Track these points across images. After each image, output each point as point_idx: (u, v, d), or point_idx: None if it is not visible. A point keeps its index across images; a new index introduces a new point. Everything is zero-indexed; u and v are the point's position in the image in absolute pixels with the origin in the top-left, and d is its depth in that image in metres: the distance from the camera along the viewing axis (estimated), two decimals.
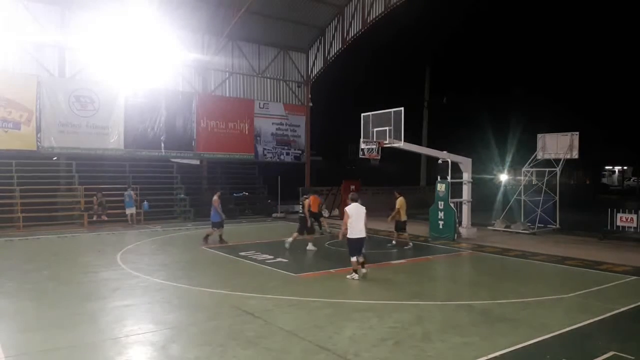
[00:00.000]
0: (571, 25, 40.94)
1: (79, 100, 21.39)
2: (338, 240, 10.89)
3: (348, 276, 10.34)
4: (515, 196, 20.30)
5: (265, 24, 26.08)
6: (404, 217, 14.80)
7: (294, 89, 29.06)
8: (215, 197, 15.18)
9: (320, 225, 17.69)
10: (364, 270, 10.33)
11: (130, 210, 19.92)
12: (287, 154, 28.33)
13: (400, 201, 14.80)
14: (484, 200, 23.48)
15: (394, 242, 15.13)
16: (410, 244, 14.83)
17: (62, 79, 21.28)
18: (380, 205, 27.94)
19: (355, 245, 10.16)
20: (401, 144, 15.76)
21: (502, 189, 26.70)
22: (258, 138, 27.08)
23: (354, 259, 10.18)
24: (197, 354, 6.09)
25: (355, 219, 10.11)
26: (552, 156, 19.48)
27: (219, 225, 15.15)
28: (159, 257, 12.94)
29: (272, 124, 27.66)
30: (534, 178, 20.62)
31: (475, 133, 36.06)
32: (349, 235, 10.15)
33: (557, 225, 19.24)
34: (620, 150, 52.38)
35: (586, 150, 21.11)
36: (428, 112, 37.56)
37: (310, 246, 14.25)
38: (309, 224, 14.79)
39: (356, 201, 10.35)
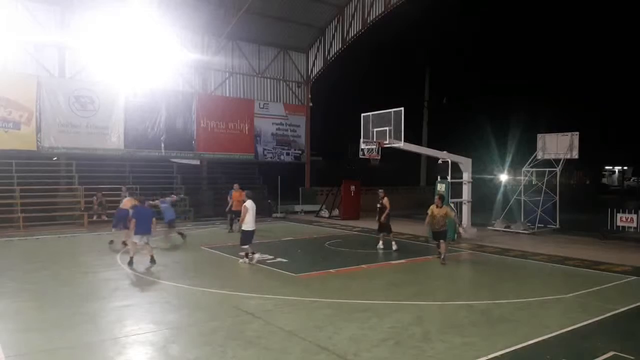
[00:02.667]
0: (571, 25, 40.98)
1: (79, 100, 21.39)
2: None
3: (240, 260, 11.79)
4: (515, 196, 20.30)
5: (265, 24, 26.09)
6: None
7: (294, 89, 29.07)
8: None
9: (231, 225, 17.43)
10: (257, 256, 11.88)
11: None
12: (287, 154, 28.32)
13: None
14: (484, 200, 23.48)
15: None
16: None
17: (62, 79, 21.28)
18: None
19: (250, 236, 11.66)
20: (401, 144, 15.75)
21: (502, 189, 26.69)
22: (258, 138, 27.08)
23: (246, 247, 11.70)
24: (197, 354, 6.09)
25: (252, 213, 11.62)
26: (552, 156, 19.48)
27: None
28: (159, 257, 12.85)
29: (272, 124, 27.66)
30: (534, 178, 20.61)
31: (475, 133, 36.06)
32: (245, 228, 11.61)
33: (557, 225, 19.23)
34: (620, 150, 52.39)
35: (586, 150, 21.10)
36: (428, 112, 37.57)
37: (380, 245, 14.22)
38: (388, 221, 14.26)
39: (251, 198, 11.91)
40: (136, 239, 11.23)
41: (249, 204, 11.73)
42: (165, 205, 15.22)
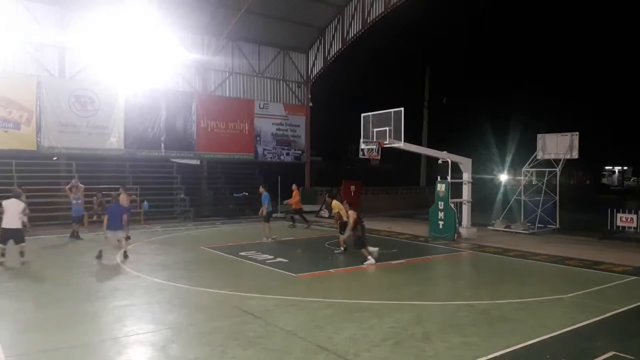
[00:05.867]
0: (571, 25, 40.99)
1: (79, 100, 21.39)
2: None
3: (21, 260, 11.43)
4: (515, 196, 20.29)
5: (265, 24, 26.08)
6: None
7: (294, 89, 29.06)
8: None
9: (305, 220, 19.49)
10: (23, 259, 11.43)
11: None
12: (287, 154, 28.32)
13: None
14: (484, 200, 23.47)
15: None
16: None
17: (62, 79, 21.28)
18: (380, 205, 28.09)
19: (5, 235, 11.29)
20: (401, 144, 15.75)
21: (502, 189, 26.67)
22: (258, 138, 27.08)
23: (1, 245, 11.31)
24: (197, 354, 6.09)
25: (8, 212, 11.26)
26: (552, 156, 19.47)
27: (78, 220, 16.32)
28: (159, 257, 12.92)
29: (272, 124, 27.66)
30: (534, 178, 20.60)
31: (475, 133, 36.06)
32: (2, 226, 11.31)
33: (557, 225, 19.21)
34: (620, 150, 52.39)
35: (586, 150, 21.07)
36: (428, 112, 37.56)
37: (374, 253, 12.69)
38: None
39: (17, 197, 11.71)
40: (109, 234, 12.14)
41: (5, 202, 11.45)
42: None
